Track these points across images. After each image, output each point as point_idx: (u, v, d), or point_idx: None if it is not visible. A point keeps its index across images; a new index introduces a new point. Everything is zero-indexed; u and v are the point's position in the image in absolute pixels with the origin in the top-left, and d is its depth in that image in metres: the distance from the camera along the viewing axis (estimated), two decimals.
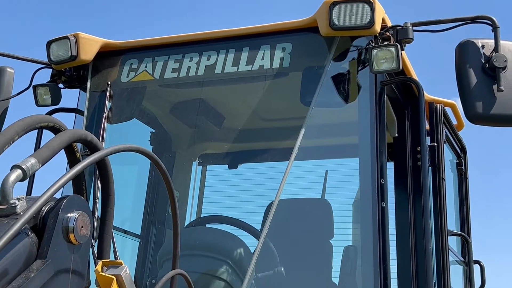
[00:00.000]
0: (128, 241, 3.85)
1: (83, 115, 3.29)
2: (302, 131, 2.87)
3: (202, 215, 4.26)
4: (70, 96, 3.44)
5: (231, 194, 4.33)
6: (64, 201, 1.65)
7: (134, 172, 4.07)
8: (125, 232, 3.78)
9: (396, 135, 3.38)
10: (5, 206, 1.54)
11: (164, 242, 3.63)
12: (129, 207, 3.99)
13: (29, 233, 1.58)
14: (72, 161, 1.86)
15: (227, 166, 4.32)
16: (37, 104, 3.35)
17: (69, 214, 1.64)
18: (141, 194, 4.05)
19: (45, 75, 3.42)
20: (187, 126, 3.97)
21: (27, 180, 3.15)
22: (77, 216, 1.65)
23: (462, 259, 3.93)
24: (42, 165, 1.63)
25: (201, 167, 4.39)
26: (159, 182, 3.86)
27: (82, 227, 1.66)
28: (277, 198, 2.77)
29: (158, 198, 3.98)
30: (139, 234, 3.93)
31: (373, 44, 2.85)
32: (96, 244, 1.99)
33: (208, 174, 4.43)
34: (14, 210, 1.53)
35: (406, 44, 2.90)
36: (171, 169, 3.99)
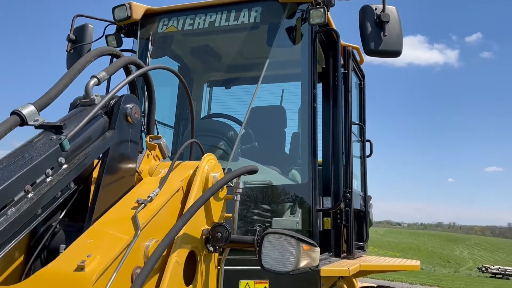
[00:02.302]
0: (166, 130, 3.85)
1: (136, 54, 3.20)
2: (267, 63, 2.80)
3: None
4: (127, 43, 3.35)
5: (227, 103, 4.31)
6: (124, 97, 1.63)
7: (169, 90, 4.01)
8: (164, 124, 3.78)
9: (324, 66, 3.34)
10: (88, 100, 1.52)
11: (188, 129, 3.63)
12: (166, 109, 3.97)
13: (103, 115, 1.57)
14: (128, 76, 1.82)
15: (224, 87, 4.27)
16: None
17: (127, 105, 1.63)
18: (173, 102, 4.01)
19: (111, 29, 3.31)
20: (199, 62, 3.88)
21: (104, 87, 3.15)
22: (132, 106, 1.64)
23: (360, 139, 4.02)
24: (109, 76, 1.60)
25: (209, 88, 4.32)
26: (184, 93, 3.81)
27: (135, 113, 1.65)
28: (251, 104, 2.75)
29: (184, 104, 3.96)
30: (173, 125, 3.94)
31: (311, 7, 2.76)
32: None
33: (214, 92, 4.37)
34: (94, 102, 1.51)
35: (330, 8, 2.81)
36: (191, 89, 3.92)
